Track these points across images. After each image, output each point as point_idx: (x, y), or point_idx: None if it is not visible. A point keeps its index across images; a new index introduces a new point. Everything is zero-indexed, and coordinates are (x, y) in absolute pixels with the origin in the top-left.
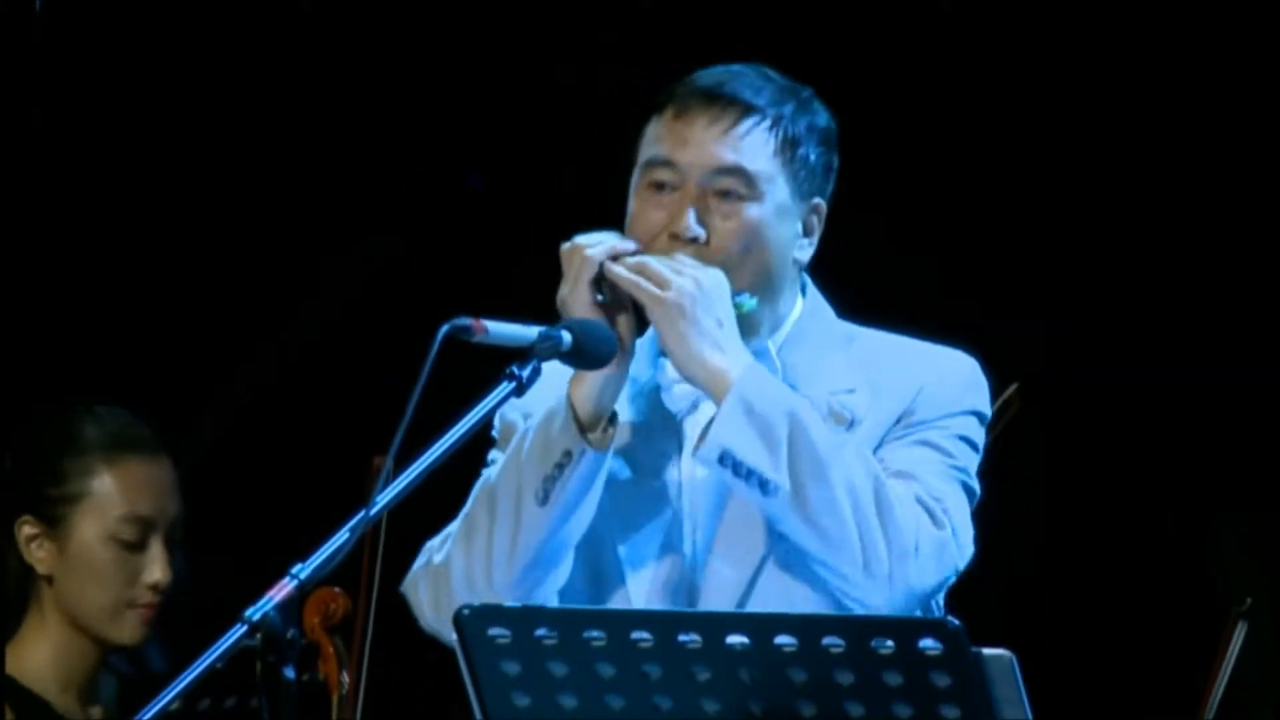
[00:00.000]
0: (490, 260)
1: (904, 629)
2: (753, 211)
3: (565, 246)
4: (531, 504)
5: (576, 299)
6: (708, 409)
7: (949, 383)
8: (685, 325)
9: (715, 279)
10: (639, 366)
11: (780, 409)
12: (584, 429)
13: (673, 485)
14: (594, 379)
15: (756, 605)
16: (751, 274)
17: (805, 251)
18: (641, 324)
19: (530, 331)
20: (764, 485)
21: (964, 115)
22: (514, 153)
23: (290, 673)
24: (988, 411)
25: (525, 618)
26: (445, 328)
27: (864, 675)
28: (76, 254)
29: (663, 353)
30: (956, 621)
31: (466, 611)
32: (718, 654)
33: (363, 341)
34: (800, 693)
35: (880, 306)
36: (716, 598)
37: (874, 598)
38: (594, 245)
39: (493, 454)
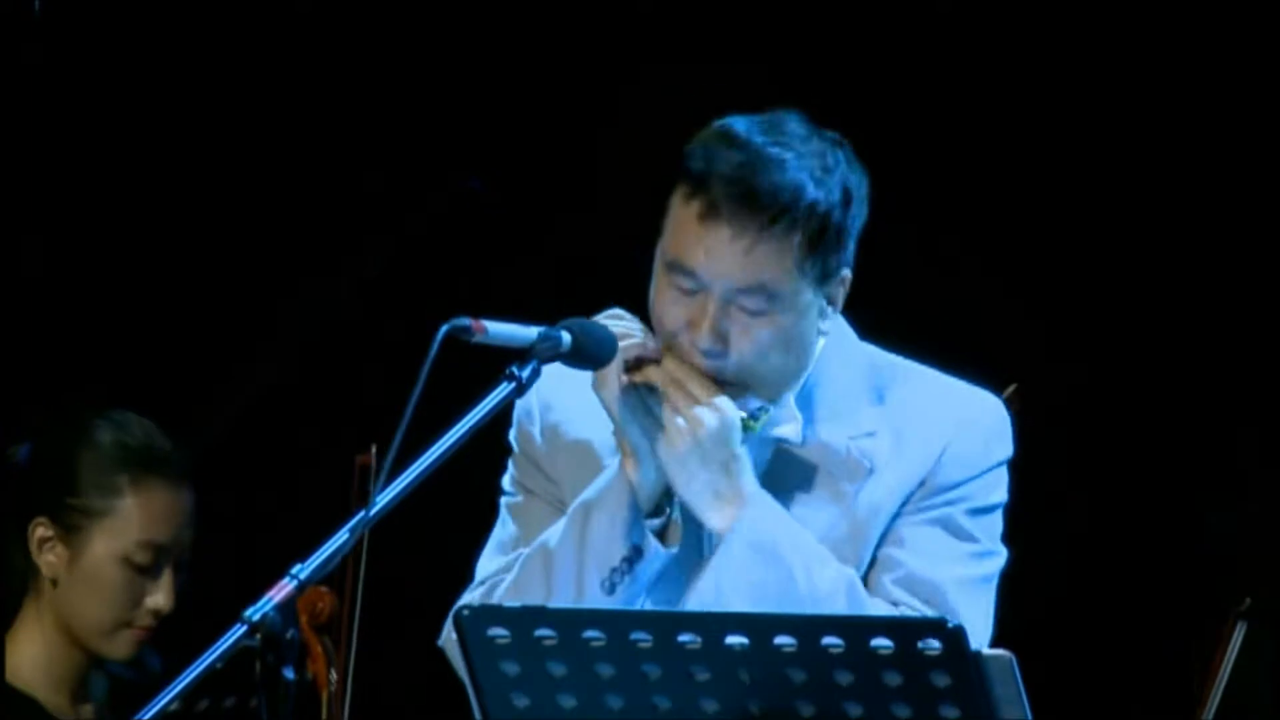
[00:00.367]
0: (489, 261)
1: (903, 629)
2: (775, 322)
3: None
4: (596, 590)
5: (608, 388)
6: None
7: (974, 439)
8: (691, 474)
9: (723, 422)
10: None
11: (772, 561)
12: (646, 513)
13: (695, 548)
14: (647, 463)
15: None
16: (772, 375)
17: (829, 321)
18: None
19: (530, 332)
20: None
21: (964, 115)
22: (513, 153)
23: (290, 673)
24: (1011, 453)
25: (525, 618)
26: (445, 328)
27: (863, 675)
28: (74, 254)
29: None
30: (956, 622)
31: (466, 612)
32: (717, 654)
33: (356, 341)
34: (799, 693)
35: (880, 306)
36: None
37: None
38: (623, 339)
39: (512, 472)
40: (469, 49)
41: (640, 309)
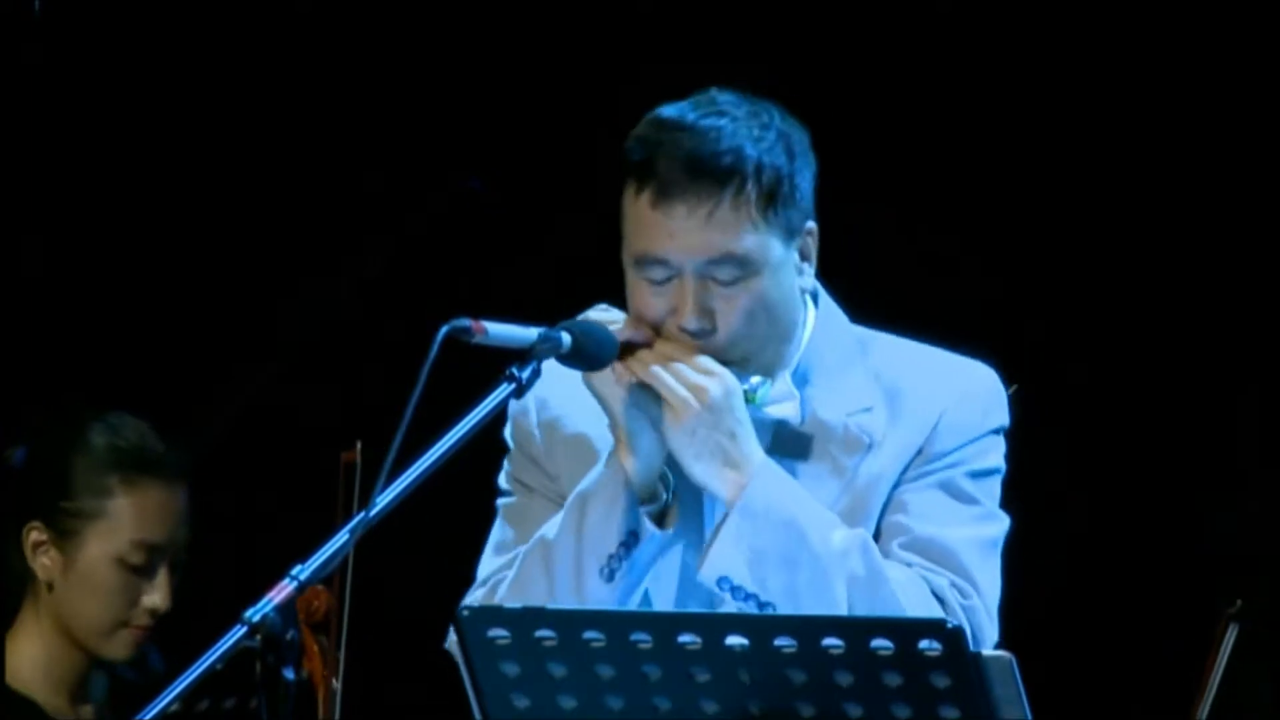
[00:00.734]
0: (489, 261)
1: (903, 630)
2: (752, 287)
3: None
4: (595, 578)
5: (599, 377)
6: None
7: (970, 406)
8: (698, 445)
9: (724, 389)
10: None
11: (784, 524)
12: (642, 500)
13: (697, 529)
14: (639, 450)
15: None
16: (763, 339)
17: (807, 277)
18: None
19: (530, 333)
20: (762, 606)
21: (964, 115)
22: (513, 153)
23: (290, 674)
24: (1008, 422)
25: (525, 619)
26: (445, 329)
27: (863, 676)
28: (73, 254)
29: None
30: (956, 622)
31: (466, 613)
32: (717, 655)
33: (348, 340)
34: (799, 694)
35: (881, 308)
36: None
37: None
38: (611, 325)
39: (509, 469)
40: (469, 49)
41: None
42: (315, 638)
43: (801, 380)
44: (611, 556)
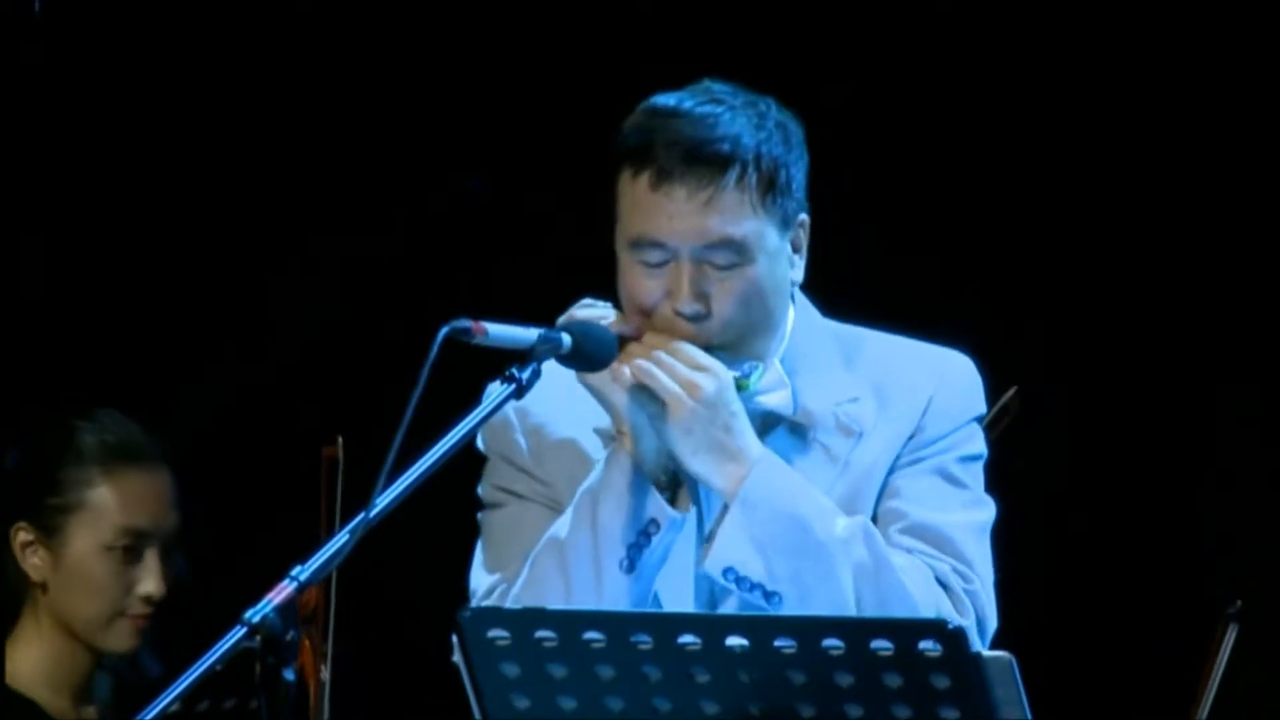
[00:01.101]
0: (489, 261)
1: (903, 631)
2: (748, 273)
3: (562, 319)
4: (615, 571)
5: (600, 375)
6: None
7: (954, 393)
8: (695, 440)
9: (718, 382)
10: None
11: (786, 513)
12: (657, 486)
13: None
14: (642, 439)
15: None
16: (755, 327)
17: (799, 269)
18: None
19: (530, 333)
20: (768, 596)
21: (964, 116)
22: (513, 153)
23: (290, 674)
24: (985, 410)
25: (525, 620)
26: (445, 329)
27: (863, 677)
28: (73, 254)
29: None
30: (956, 623)
31: (466, 614)
32: (717, 656)
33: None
34: (800, 694)
35: (879, 309)
36: None
37: None
38: (602, 320)
39: (495, 479)
40: (469, 49)
41: None
42: (305, 632)
43: (789, 373)
44: (631, 547)
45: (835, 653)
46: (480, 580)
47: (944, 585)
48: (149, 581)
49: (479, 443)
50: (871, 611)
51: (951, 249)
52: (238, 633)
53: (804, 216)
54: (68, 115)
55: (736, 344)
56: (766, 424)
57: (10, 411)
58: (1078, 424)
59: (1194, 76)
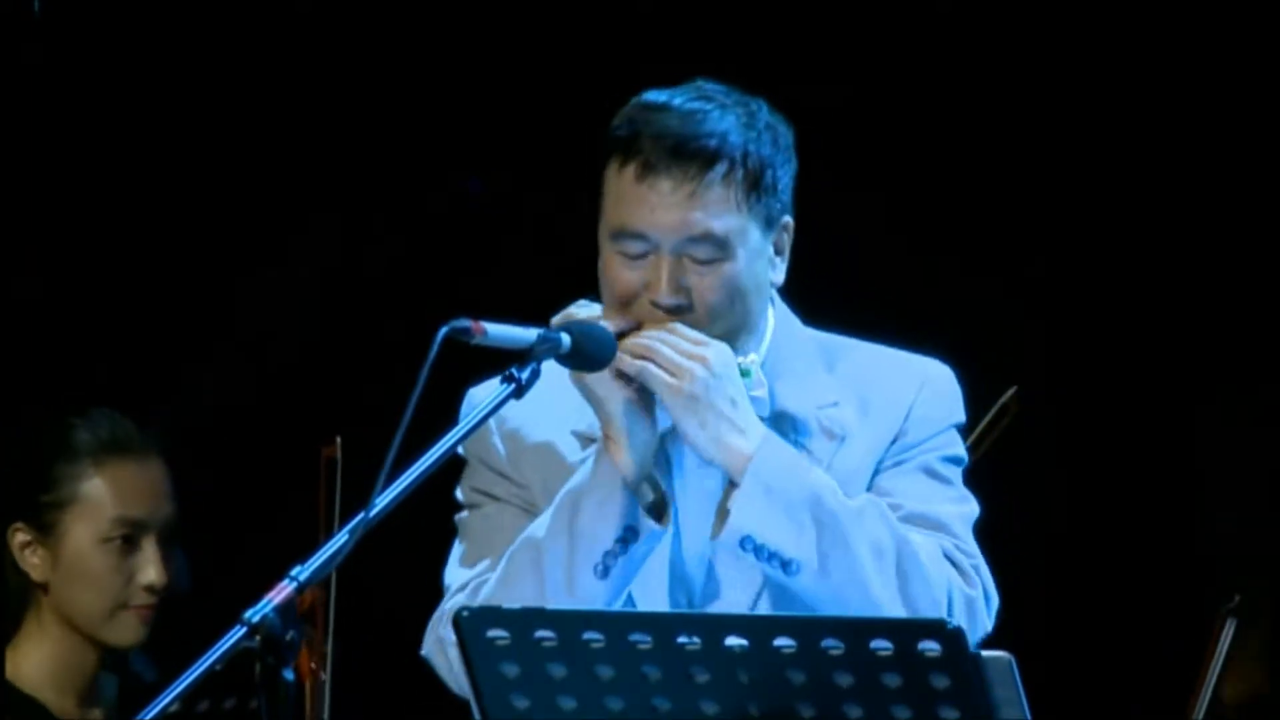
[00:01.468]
0: (489, 261)
1: (903, 631)
2: (728, 269)
3: (559, 317)
4: (589, 575)
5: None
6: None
7: (936, 399)
8: (701, 412)
9: (722, 357)
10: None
11: (798, 483)
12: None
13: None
14: (631, 445)
15: None
16: (735, 323)
17: (780, 272)
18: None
19: (529, 333)
20: (786, 565)
21: (964, 116)
22: (513, 153)
23: (290, 674)
24: (964, 419)
25: (525, 619)
26: (444, 329)
27: (863, 677)
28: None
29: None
30: (955, 623)
31: (466, 613)
32: (717, 656)
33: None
34: (799, 694)
35: (879, 309)
36: None
37: None
38: (597, 320)
39: (473, 482)
40: (469, 49)
41: None
42: (303, 630)
43: (768, 377)
44: (607, 553)
45: (835, 653)
46: (455, 576)
47: (951, 561)
48: (149, 571)
49: (460, 448)
50: (887, 582)
51: (951, 249)
52: (237, 633)
53: (788, 219)
54: (68, 115)
55: (716, 329)
56: None
57: (9, 412)
58: (1076, 424)
59: (1194, 77)
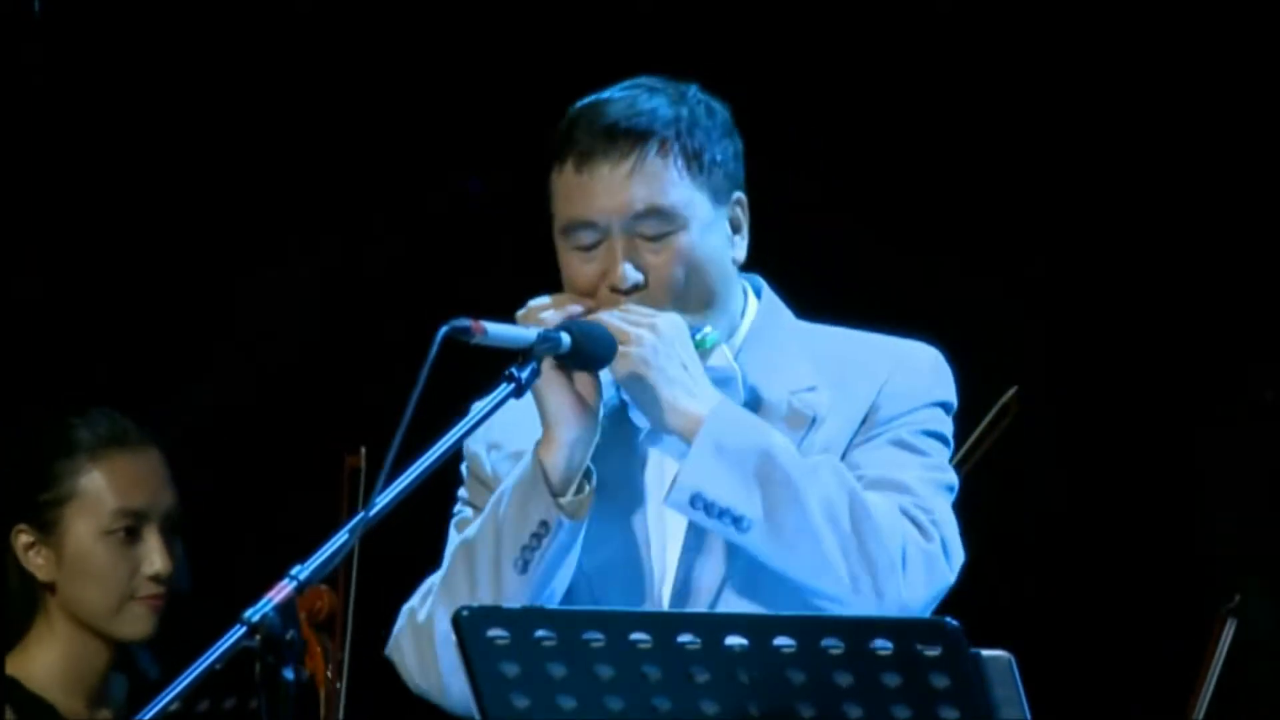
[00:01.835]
0: (489, 261)
1: (903, 630)
2: (681, 241)
3: (521, 312)
4: (511, 572)
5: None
6: (670, 454)
7: (911, 376)
8: (651, 375)
9: (672, 322)
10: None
11: (750, 441)
12: (557, 493)
13: (640, 530)
14: (561, 443)
15: None
16: (698, 298)
17: (740, 249)
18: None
19: (529, 333)
20: (738, 522)
21: (963, 117)
22: (513, 153)
23: (289, 674)
24: (954, 401)
25: (524, 619)
26: (444, 329)
27: (863, 677)
28: (75, 254)
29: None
30: (955, 623)
31: (465, 613)
32: (716, 655)
33: (345, 341)
34: (799, 694)
35: (879, 309)
36: None
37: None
38: (547, 310)
39: (462, 492)
40: (469, 49)
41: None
42: (318, 638)
43: (744, 364)
44: (524, 548)
45: (834, 652)
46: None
47: (909, 517)
48: (153, 560)
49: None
50: (840, 539)
51: (951, 249)
52: (237, 632)
53: (739, 195)
54: (68, 115)
55: (680, 307)
56: None
57: (9, 412)
58: (1076, 424)
59: (1193, 76)
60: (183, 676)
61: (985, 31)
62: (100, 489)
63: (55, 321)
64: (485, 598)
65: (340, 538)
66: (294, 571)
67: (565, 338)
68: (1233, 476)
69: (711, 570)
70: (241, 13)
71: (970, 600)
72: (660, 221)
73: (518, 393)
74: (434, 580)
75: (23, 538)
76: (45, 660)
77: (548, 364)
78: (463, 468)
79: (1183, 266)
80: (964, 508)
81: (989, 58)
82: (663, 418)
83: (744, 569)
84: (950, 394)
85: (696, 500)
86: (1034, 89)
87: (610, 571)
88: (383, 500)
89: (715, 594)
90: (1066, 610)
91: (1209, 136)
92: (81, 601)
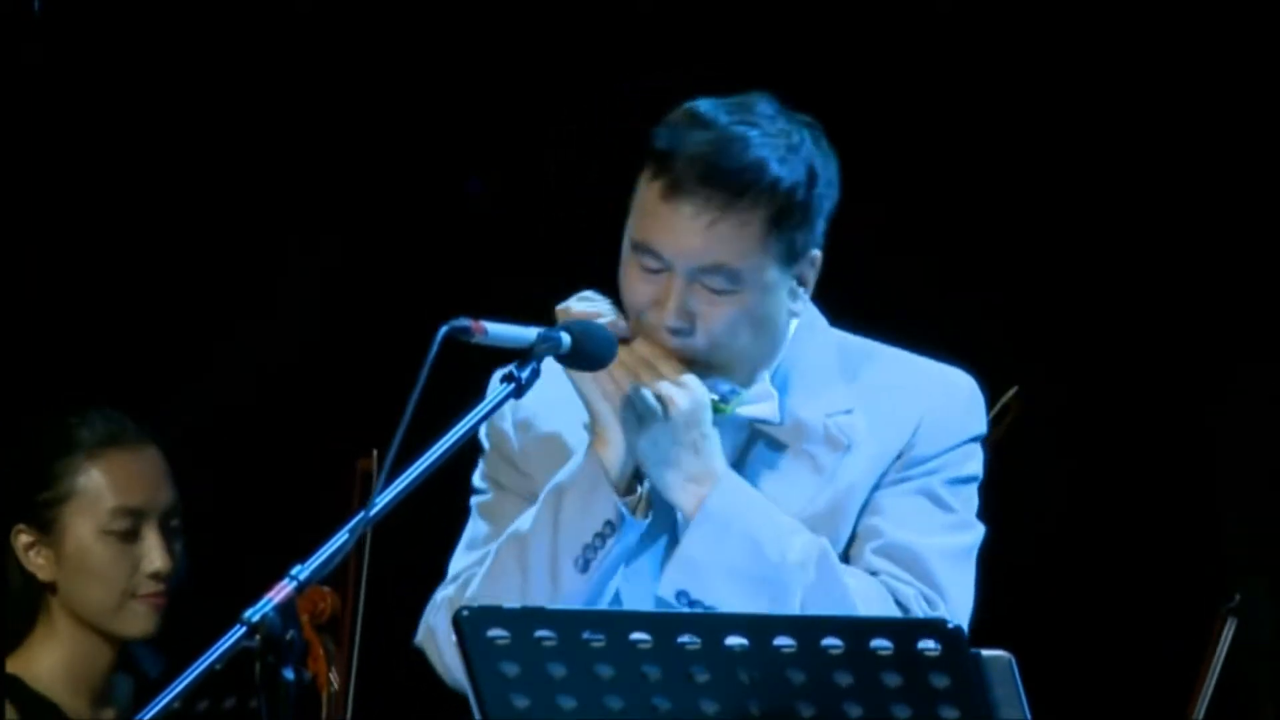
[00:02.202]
0: (489, 261)
1: (903, 630)
2: (740, 301)
3: (560, 307)
4: (570, 570)
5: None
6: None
7: (949, 409)
8: (662, 453)
9: (693, 402)
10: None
11: (740, 535)
12: (620, 493)
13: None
14: (617, 441)
15: None
16: (741, 355)
17: (800, 303)
18: None
19: (529, 333)
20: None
21: (965, 116)
22: (513, 153)
23: (289, 673)
24: (985, 430)
25: (525, 619)
26: (444, 328)
27: (863, 676)
28: (75, 254)
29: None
30: (955, 622)
31: (466, 612)
32: (717, 655)
33: (354, 343)
34: (799, 694)
35: (879, 309)
36: None
37: None
38: (600, 318)
39: (483, 470)
40: (469, 50)
41: None
42: (321, 639)
43: (782, 382)
44: (587, 547)
45: (835, 652)
46: (455, 564)
47: (904, 608)
48: (153, 558)
49: (479, 431)
50: None
51: (951, 249)
52: (237, 632)
53: (816, 253)
54: (68, 115)
55: (719, 365)
56: (753, 430)
57: (9, 412)
58: (1077, 423)
59: (1192, 72)
60: (183, 676)
61: (986, 29)
62: (99, 487)
63: (55, 321)
64: (540, 595)
65: (340, 538)
66: (294, 571)
67: (565, 337)
68: (1232, 476)
69: None
70: (241, 13)
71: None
72: (725, 280)
73: (518, 393)
74: (461, 567)
75: (22, 538)
76: (48, 660)
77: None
78: (484, 441)
79: (1183, 270)
80: None
81: (991, 55)
82: (665, 492)
83: None
84: (984, 424)
85: (681, 597)
86: (1035, 87)
87: (643, 581)
88: (383, 500)
89: None
90: (1066, 610)
91: (1208, 136)
92: (82, 601)
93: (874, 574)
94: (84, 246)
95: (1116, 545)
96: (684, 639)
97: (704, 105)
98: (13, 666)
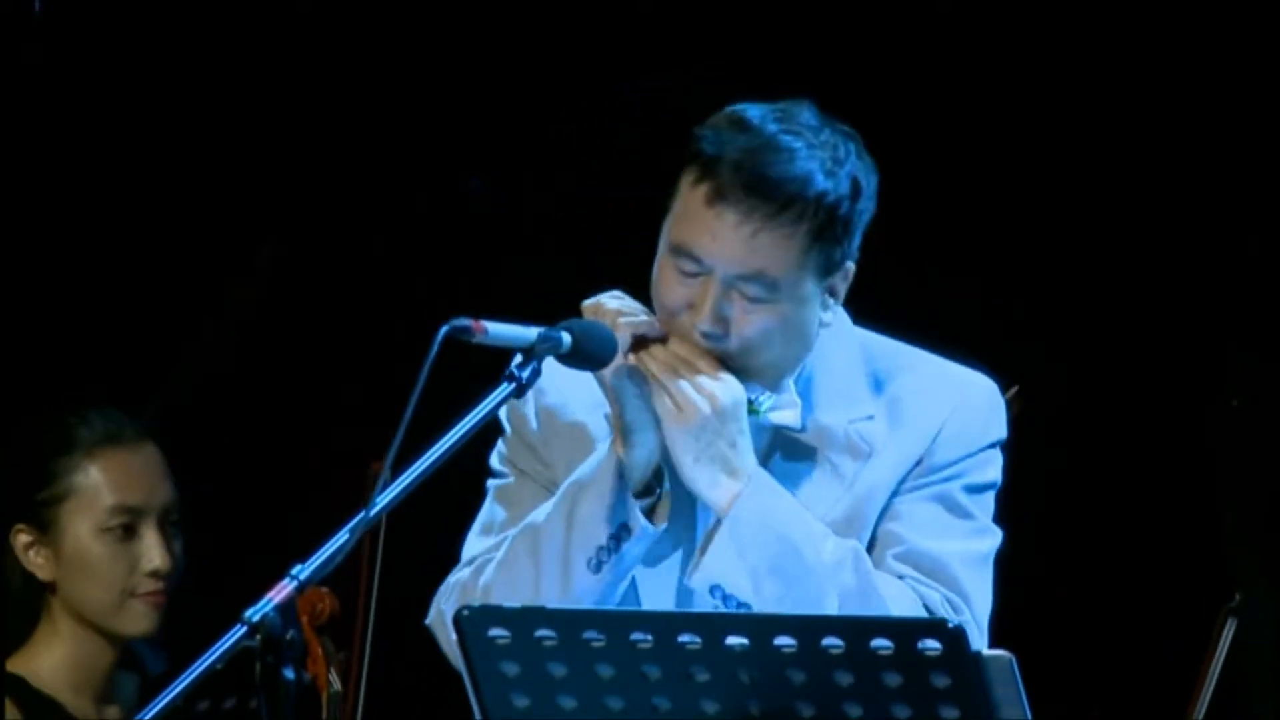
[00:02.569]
0: (489, 261)
1: (903, 630)
2: (775, 310)
3: (589, 303)
4: (583, 569)
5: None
6: None
7: (969, 416)
8: (699, 450)
9: (734, 398)
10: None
11: (774, 531)
12: (636, 493)
13: (689, 528)
14: (642, 444)
15: None
16: (771, 362)
17: (830, 313)
18: None
19: (530, 332)
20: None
21: (965, 115)
22: (513, 153)
23: (289, 673)
24: (1005, 435)
25: (525, 618)
26: (445, 328)
27: (863, 676)
28: (76, 254)
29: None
30: (956, 622)
31: (466, 612)
32: (717, 655)
33: (363, 344)
34: (799, 693)
35: (879, 309)
36: None
37: None
38: (627, 316)
39: (501, 452)
40: (469, 49)
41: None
42: (320, 640)
43: (804, 386)
44: (601, 548)
45: (835, 652)
46: (469, 548)
47: (931, 612)
48: (152, 556)
49: (501, 412)
50: None
51: (951, 248)
52: (237, 632)
53: (850, 265)
54: (68, 115)
55: (748, 371)
56: (775, 435)
57: (8, 412)
58: (1077, 423)
59: (1191, 71)
60: (183, 676)
61: (984, 30)
62: (96, 486)
63: (54, 321)
64: (550, 591)
65: (341, 537)
66: (295, 571)
67: (566, 337)
68: (1232, 477)
69: None
70: (241, 13)
71: None
72: (762, 288)
73: (519, 393)
74: (476, 551)
75: (22, 537)
76: (51, 660)
77: (622, 362)
78: (505, 423)
79: (1183, 264)
80: None
81: (992, 54)
82: (698, 489)
83: None
84: (1004, 429)
85: (715, 590)
86: (1035, 87)
87: (665, 581)
88: (384, 500)
89: None
90: (1067, 610)
91: (1209, 136)
92: (82, 599)
93: (900, 577)
94: (84, 246)
95: (1117, 545)
96: (684, 639)
97: (750, 111)
98: (16, 666)
